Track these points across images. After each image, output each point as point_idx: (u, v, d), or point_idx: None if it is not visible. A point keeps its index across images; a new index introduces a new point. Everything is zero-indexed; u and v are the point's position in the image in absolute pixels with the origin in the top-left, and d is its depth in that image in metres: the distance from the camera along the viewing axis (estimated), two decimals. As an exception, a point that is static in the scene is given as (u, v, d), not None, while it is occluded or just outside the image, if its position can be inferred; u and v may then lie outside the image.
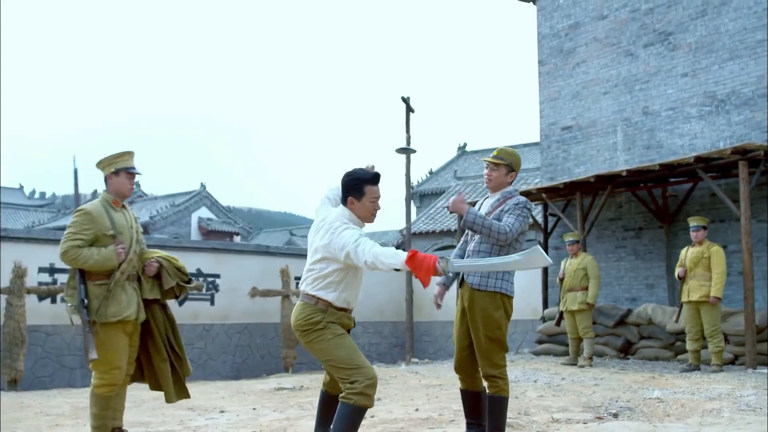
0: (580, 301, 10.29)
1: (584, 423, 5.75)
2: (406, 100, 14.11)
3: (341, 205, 4.34)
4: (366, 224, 4.37)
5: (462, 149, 38.71)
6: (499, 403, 4.65)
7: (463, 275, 4.75)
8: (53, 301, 12.20)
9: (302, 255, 16.07)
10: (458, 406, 6.85)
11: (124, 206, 4.94)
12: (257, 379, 11.38)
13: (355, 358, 4.22)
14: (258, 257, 14.61)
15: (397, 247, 29.43)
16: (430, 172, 38.23)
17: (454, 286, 6.22)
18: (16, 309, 10.68)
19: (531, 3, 15.10)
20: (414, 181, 36.98)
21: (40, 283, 11.87)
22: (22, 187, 69.30)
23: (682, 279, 9.39)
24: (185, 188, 48.17)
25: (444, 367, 11.50)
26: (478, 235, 4.72)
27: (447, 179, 35.61)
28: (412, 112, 14.16)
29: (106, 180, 4.89)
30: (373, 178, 4.33)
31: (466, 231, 4.97)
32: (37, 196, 66.85)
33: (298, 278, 15.11)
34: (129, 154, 4.93)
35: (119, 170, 4.85)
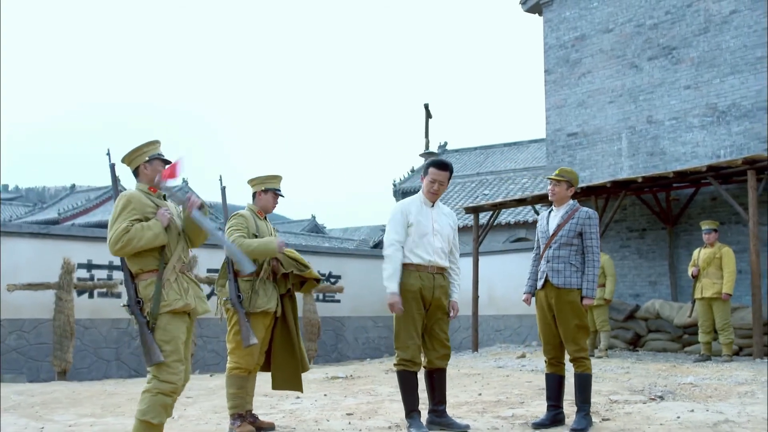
0: (598, 297, 11.13)
1: (643, 403, 6.58)
2: (426, 106, 14.86)
3: None
4: (430, 200, 5.56)
5: (443, 148, 39.49)
6: (586, 380, 5.55)
7: (547, 278, 5.59)
8: (90, 296, 12.74)
9: (321, 252, 16.80)
10: (518, 390, 7.66)
11: (265, 218, 5.72)
12: (310, 371, 11.99)
13: None
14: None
15: (375, 246, 29.88)
16: (412, 170, 38.95)
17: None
18: (65, 303, 11.21)
19: (537, 15, 15.92)
20: (396, 179, 37.79)
21: (78, 279, 12.38)
22: (-10, 181, 68.82)
23: (696, 277, 10.29)
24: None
25: (467, 358, 12.28)
26: (555, 243, 5.59)
27: (429, 177, 36.36)
28: (431, 117, 14.93)
29: (254, 195, 5.69)
30: (435, 162, 5.53)
31: (538, 238, 5.88)
32: (-3, 189, 66.07)
33: (321, 275, 15.81)
34: (278, 178, 5.73)
35: (268, 190, 5.65)
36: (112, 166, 4.74)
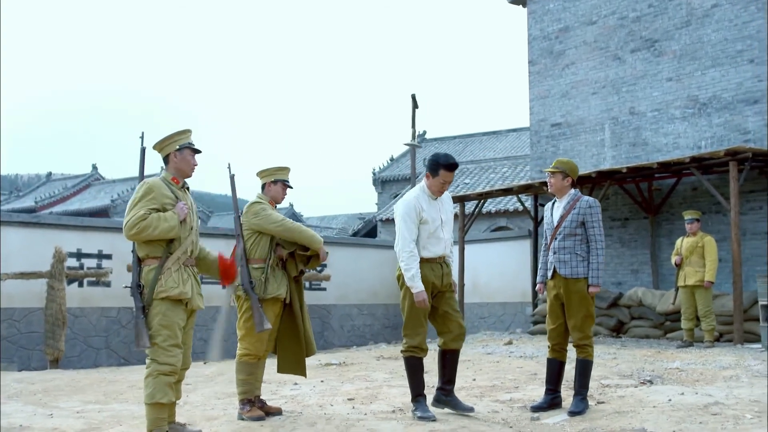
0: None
1: (635, 387, 6.83)
2: (413, 97, 15.04)
3: (423, 179, 5.75)
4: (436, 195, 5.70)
5: (422, 137, 39.68)
6: (588, 366, 5.80)
7: (555, 268, 5.79)
8: (80, 284, 12.79)
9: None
10: (511, 376, 7.89)
11: (275, 207, 5.88)
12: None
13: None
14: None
15: (355, 234, 29.92)
16: (391, 159, 39.14)
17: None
18: (57, 292, 11.27)
19: (521, 6, 16.11)
20: (375, 167, 37.99)
21: (68, 268, 12.41)
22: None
23: (679, 266, 10.58)
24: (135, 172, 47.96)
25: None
26: (560, 234, 5.78)
27: (409, 166, 36.58)
28: (417, 108, 15.10)
29: (263, 186, 5.85)
30: (448, 164, 5.58)
31: (544, 229, 6.07)
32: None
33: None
34: (287, 169, 5.89)
35: (278, 181, 5.81)
36: (143, 150, 4.89)
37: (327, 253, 5.90)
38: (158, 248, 4.68)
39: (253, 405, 5.69)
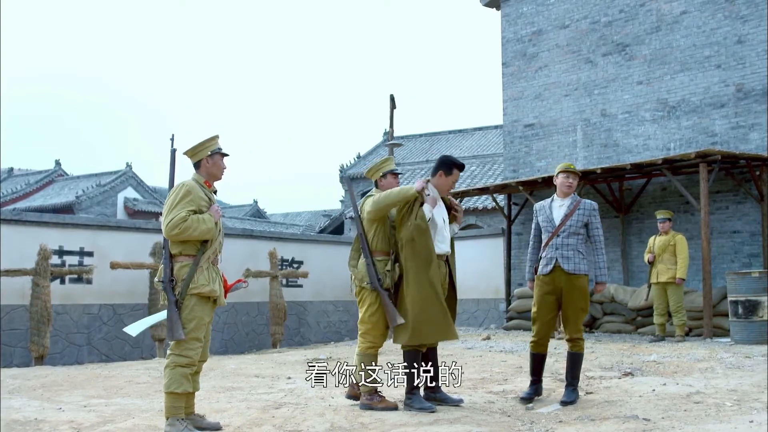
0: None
1: (618, 378, 7.19)
2: (392, 97, 15.34)
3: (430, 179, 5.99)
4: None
5: (388, 134, 39.89)
6: (580, 358, 6.14)
7: (557, 264, 6.07)
8: (62, 282, 12.83)
9: (285, 239, 17.14)
10: (498, 369, 8.22)
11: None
12: (285, 353, 12.40)
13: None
14: (244, 240, 15.57)
15: (321, 231, 30.03)
16: (358, 156, 39.37)
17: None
18: (43, 289, 11.34)
19: (495, 9, 16.48)
20: (343, 164, 38.22)
21: (52, 265, 12.45)
22: None
23: (651, 263, 11.02)
24: (106, 168, 47.60)
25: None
26: (563, 231, 6.08)
27: (376, 163, 36.86)
28: (395, 108, 15.41)
29: (376, 183, 6.13)
30: (461, 165, 5.99)
31: (541, 227, 6.35)
32: None
33: (284, 260, 16.15)
34: (390, 159, 6.19)
35: (386, 173, 6.11)
36: (173, 152, 5.11)
37: (423, 187, 5.88)
38: (192, 247, 4.92)
39: (380, 395, 5.85)
